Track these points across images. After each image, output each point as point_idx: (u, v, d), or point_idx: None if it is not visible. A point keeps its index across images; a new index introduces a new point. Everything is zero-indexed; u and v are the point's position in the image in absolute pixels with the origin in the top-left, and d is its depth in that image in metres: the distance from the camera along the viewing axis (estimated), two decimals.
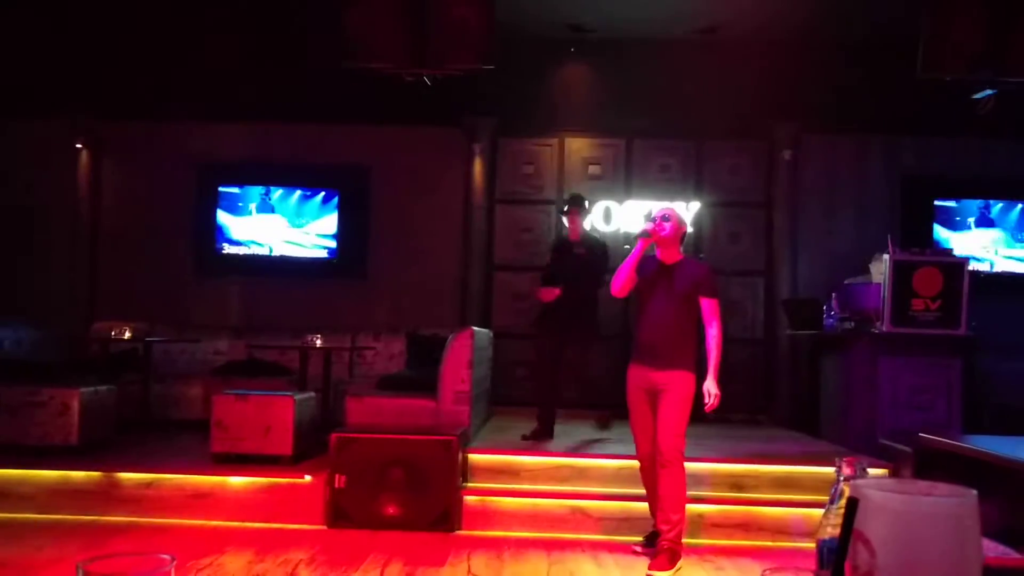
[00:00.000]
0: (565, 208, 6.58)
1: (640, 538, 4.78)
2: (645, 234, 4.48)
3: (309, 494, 5.19)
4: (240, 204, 8.64)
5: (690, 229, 8.51)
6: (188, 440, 6.19)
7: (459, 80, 6.39)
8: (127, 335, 6.97)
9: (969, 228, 8.48)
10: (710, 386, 4.42)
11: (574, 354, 6.36)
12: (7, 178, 8.48)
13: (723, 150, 8.75)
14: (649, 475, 4.57)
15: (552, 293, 6.17)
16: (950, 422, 5.82)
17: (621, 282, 4.55)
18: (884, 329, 5.92)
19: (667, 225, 4.54)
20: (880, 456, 5.56)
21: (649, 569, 4.30)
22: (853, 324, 6.45)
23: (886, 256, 5.99)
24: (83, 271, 8.54)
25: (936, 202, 8.47)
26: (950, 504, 0.72)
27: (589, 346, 6.45)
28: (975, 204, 8.50)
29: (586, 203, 6.64)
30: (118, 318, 7.72)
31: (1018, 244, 8.47)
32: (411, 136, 8.55)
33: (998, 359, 7.28)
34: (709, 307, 4.51)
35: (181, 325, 7.97)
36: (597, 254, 6.47)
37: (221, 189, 8.61)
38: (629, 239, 8.39)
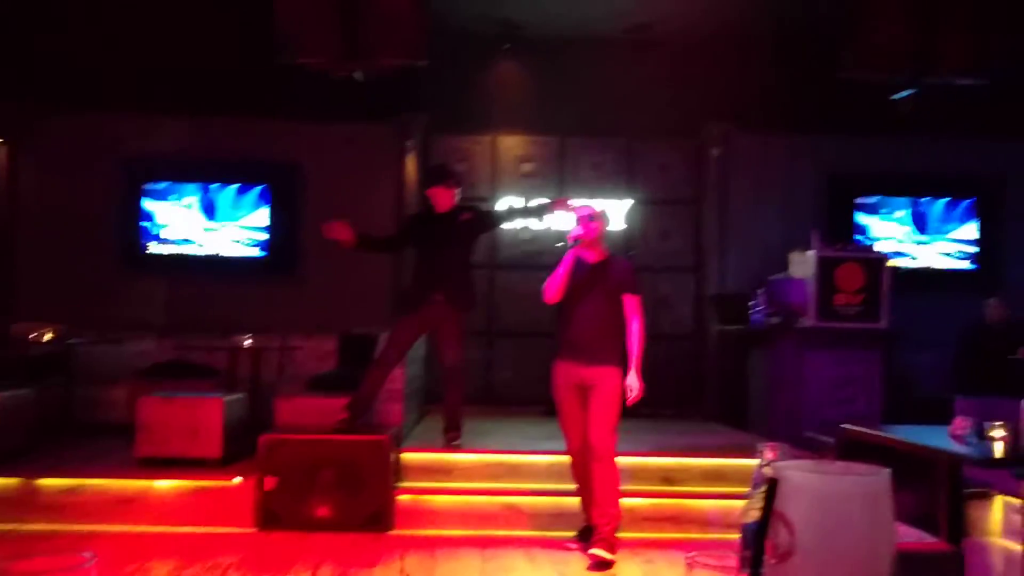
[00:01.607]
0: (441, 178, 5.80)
1: (573, 533, 4.80)
2: (578, 242, 4.52)
3: (238, 497, 5.10)
4: (167, 200, 8.44)
5: (624, 226, 8.64)
6: (112, 444, 6.00)
7: (391, 76, 6.35)
8: (47, 337, 6.74)
9: (895, 223, 8.75)
10: (632, 380, 4.49)
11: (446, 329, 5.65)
12: None
13: (654, 148, 8.87)
14: (580, 470, 4.59)
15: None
16: (871, 414, 6.00)
17: (555, 288, 4.56)
18: (809, 324, 6.08)
19: (594, 225, 4.61)
20: (805, 448, 5.69)
21: (591, 549, 4.36)
22: (779, 319, 6.60)
23: (809, 252, 6.15)
24: (0, 270, 8.23)
25: (857, 200, 8.72)
26: (865, 482, 0.74)
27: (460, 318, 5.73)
28: (896, 201, 8.77)
29: (451, 177, 5.79)
30: (39, 318, 7.45)
31: (936, 239, 8.76)
32: (343, 132, 8.46)
33: (917, 352, 7.52)
34: (632, 303, 4.59)
35: (106, 325, 7.72)
36: (483, 214, 6.01)
37: (147, 185, 8.40)
38: (562, 237, 8.45)
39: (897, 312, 6.37)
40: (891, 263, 6.57)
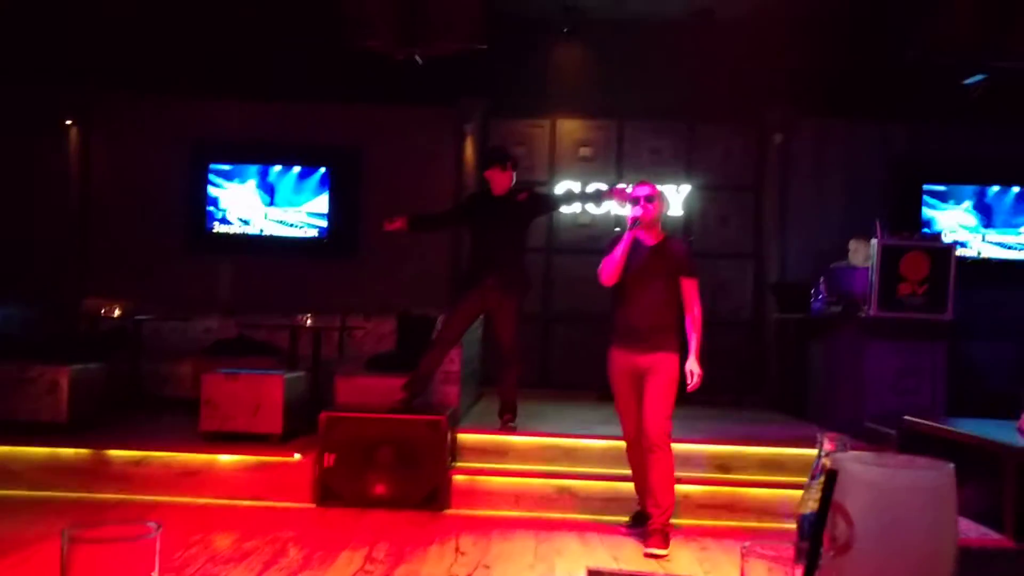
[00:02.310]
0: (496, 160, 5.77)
1: (627, 518, 4.81)
2: (637, 223, 4.45)
3: (298, 473, 5.21)
4: (232, 182, 8.61)
5: (680, 212, 8.56)
6: (177, 418, 6.18)
7: (451, 60, 6.37)
8: (116, 313, 6.95)
9: (959, 213, 8.51)
10: (692, 366, 4.42)
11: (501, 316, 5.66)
12: None
13: (714, 133, 8.76)
14: (635, 455, 4.57)
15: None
16: (934, 406, 5.88)
17: (612, 270, 4.50)
18: (871, 313, 5.96)
19: (652, 207, 4.52)
20: (865, 439, 5.61)
21: (646, 547, 4.33)
22: (840, 308, 6.49)
23: (874, 240, 6.03)
24: (72, 248, 8.51)
25: (925, 186, 8.51)
26: (928, 477, 0.73)
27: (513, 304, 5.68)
28: (965, 189, 8.54)
29: (508, 159, 5.74)
30: (108, 296, 7.68)
31: (1007, 230, 8.51)
32: (403, 116, 8.52)
33: (983, 344, 7.33)
34: (690, 287, 4.50)
35: (171, 303, 7.93)
36: (537, 197, 6.00)
37: (212, 167, 8.58)
38: (620, 222, 8.42)
39: (963, 303, 6.22)
40: (958, 252, 6.41)
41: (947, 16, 5.95)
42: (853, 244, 6.86)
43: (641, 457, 4.48)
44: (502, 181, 5.67)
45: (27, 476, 5.18)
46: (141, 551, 0.79)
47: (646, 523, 4.48)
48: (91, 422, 5.84)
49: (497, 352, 5.85)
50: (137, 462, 5.25)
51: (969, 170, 8.50)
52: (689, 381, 4.42)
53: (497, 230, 5.64)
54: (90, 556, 0.78)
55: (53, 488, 5.13)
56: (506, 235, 5.64)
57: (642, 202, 4.51)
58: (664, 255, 4.52)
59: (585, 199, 7.15)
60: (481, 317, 6.09)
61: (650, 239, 4.56)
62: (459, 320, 5.65)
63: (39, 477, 5.18)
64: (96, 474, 5.22)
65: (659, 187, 4.71)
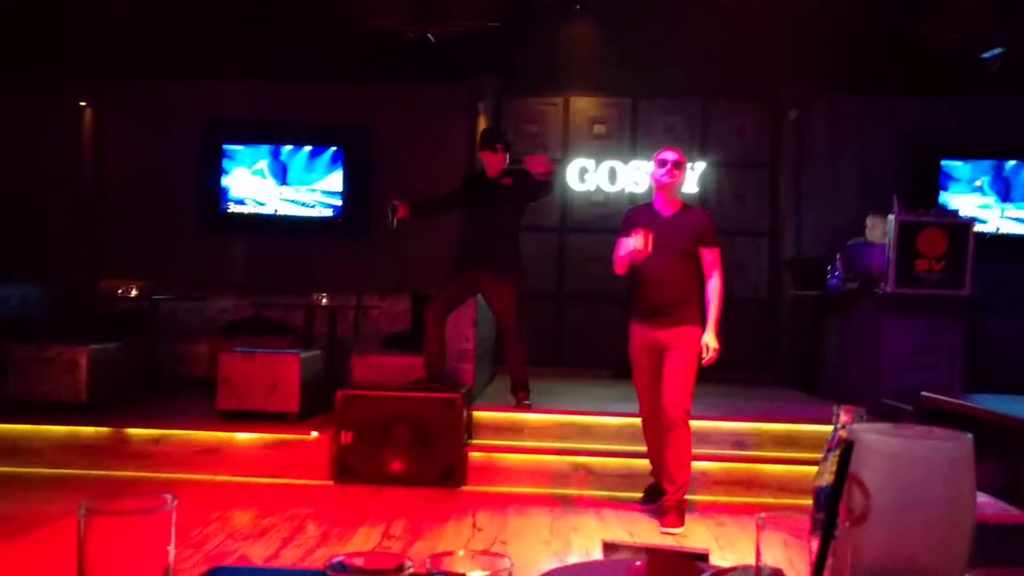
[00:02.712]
0: (488, 142, 5.65)
1: (642, 495, 4.81)
2: (640, 242, 4.21)
3: (315, 450, 5.25)
4: (244, 162, 8.61)
5: (695, 189, 8.51)
6: (195, 397, 6.23)
7: (463, 37, 6.34)
8: (133, 293, 6.99)
9: (976, 189, 8.42)
10: (709, 339, 4.32)
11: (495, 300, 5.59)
12: (12, 137, 8.45)
13: (729, 110, 8.68)
14: (651, 431, 4.53)
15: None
16: (952, 382, 5.84)
17: (618, 267, 4.44)
18: (888, 290, 5.92)
19: (678, 173, 4.41)
20: (882, 415, 5.59)
21: (662, 526, 4.33)
22: (856, 284, 6.45)
23: (890, 216, 5.98)
24: (88, 229, 8.55)
25: (942, 162, 8.41)
26: (946, 447, 0.72)
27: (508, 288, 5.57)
28: (982, 164, 8.43)
29: (499, 140, 5.63)
30: (124, 276, 7.73)
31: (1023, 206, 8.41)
32: (415, 94, 8.49)
33: (1000, 320, 7.28)
34: (711, 257, 4.39)
35: (187, 283, 7.98)
36: (523, 180, 5.50)
37: (225, 147, 8.58)
38: (634, 199, 8.38)
39: (982, 279, 6.17)
40: (976, 228, 6.34)
41: None
42: (870, 220, 6.81)
43: (657, 433, 4.45)
44: (493, 163, 5.59)
45: (47, 454, 5.25)
46: (157, 523, 0.80)
47: (659, 497, 4.48)
48: (110, 401, 5.90)
49: (500, 334, 5.86)
50: (156, 440, 5.30)
51: (985, 145, 8.39)
52: (704, 355, 4.33)
53: (487, 213, 5.58)
54: (107, 528, 0.78)
55: (73, 466, 5.19)
56: (496, 218, 5.55)
57: (670, 167, 4.39)
58: (682, 225, 4.39)
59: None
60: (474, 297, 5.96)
61: (668, 209, 4.45)
62: (442, 298, 5.55)
63: (59, 455, 5.25)
64: (115, 452, 5.28)
65: (682, 154, 4.54)
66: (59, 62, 8.21)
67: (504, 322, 5.63)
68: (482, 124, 8.54)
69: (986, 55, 6.23)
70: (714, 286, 4.39)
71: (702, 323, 4.38)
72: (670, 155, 4.43)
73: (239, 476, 5.18)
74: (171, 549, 0.80)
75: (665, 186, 4.42)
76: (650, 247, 4.22)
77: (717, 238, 4.45)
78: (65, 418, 5.42)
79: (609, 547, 1.18)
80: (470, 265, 5.52)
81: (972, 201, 8.36)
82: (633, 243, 4.24)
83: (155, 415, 5.64)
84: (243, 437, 5.31)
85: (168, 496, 0.82)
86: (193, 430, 5.33)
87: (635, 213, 4.59)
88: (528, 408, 5.66)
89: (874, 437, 0.73)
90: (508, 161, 5.65)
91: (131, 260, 8.26)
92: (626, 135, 8.78)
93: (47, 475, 5.11)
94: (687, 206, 4.59)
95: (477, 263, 5.48)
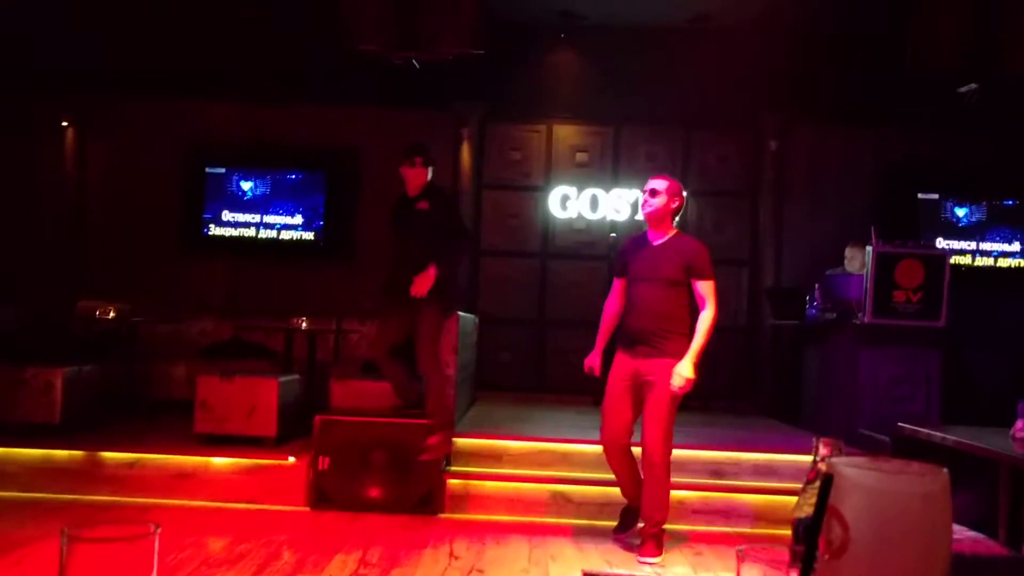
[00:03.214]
0: (406, 155, 5.27)
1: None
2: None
3: (292, 476, 5.20)
4: (227, 184, 8.60)
5: (676, 218, 8.55)
6: (172, 420, 6.17)
7: (448, 64, 6.38)
8: (111, 314, 6.93)
9: (953, 221, 8.53)
10: (683, 368, 4.12)
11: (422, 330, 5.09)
12: None
13: (710, 139, 8.78)
14: (613, 456, 4.39)
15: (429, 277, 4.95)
16: (929, 413, 5.89)
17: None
18: (865, 320, 5.98)
19: (654, 202, 4.30)
20: (859, 446, 5.62)
21: (639, 556, 4.30)
22: (835, 315, 6.51)
23: (868, 247, 6.05)
24: (67, 249, 8.49)
25: (919, 195, 8.52)
26: (922, 481, 0.74)
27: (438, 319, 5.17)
28: (960, 197, 8.55)
29: (423, 154, 5.24)
30: (103, 297, 7.66)
31: (1001, 240, 8.53)
32: (400, 119, 8.52)
33: (977, 351, 7.36)
34: (702, 290, 4.24)
35: (167, 305, 7.93)
36: (442, 207, 5.22)
37: (208, 169, 8.57)
38: (616, 227, 8.43)
39: (958, 311, 6.24)
40: (952, 261, 6.43)
41: (942, 24, 5.98)
42: (849, 251, 6.89)
43: (619, 456, 4.37)
44: (411, 179, 5.18)
45: (20, 477, 5.17)
46: (140, 551, 0.80)
47: (634, 522, 4.46)
48: (85, 424, 5.83)
49: (417, 362, 5.19)
50: (131, 464, 5.24)
51: (964, 179, 8.52)
52: (673, 382, 4.14)
53: (405, 239, 5.16)
54: (89, 556, 0.78)
55: (46, 490, 5.12)
56: (412, 246, 5.09)
57: (646, 195, 4.33)
58: (670, 254, 4.29)
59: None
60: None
61: (656, 237, 4.37)
62: (381, 346, 5.21)
63: (32, 479, 5.17)
64: (90, 476, 5.20)
65: (668, 178, 4.45)
66: (42, 81, 8.19)
67: (421, 348, 5.09)
68: (466, 150, 8.59)
69: (962, 89, 6.35)
70: (703, 317, 4.20)
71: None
72: (650, 183, 4.38)
73: (215, 501, 5.13)
74: None
75: (647, 216, 4.40)
76: (646, 211, 4.35)
77: (709, 269, 4.29)
78: (39, 441, 5.35)
79: None
80: (397, 293, 5.05)
81: (949, 233, 8.47)
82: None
83: (131, 438, 5.58)
84: (219, 462, 5.26)
85: (151, 524, 0.82)
86: (169, 454, 5.27)
87: (627, 242, 4.61)
88: (432, 455, 5.10)
89: (853, 471, 0.74)
90: (431, 177, 5.23)
91: (111, 281, 8.19)
92: (608, 163, 8.85)
93: (20, 499, 5.03)
94: (680, 234, 4.44)
95: (402, 290, 4.98)
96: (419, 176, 5.19)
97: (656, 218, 4.36)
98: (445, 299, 5.15)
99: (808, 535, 0.74)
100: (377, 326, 5.37)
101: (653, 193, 4.34)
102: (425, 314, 5.05)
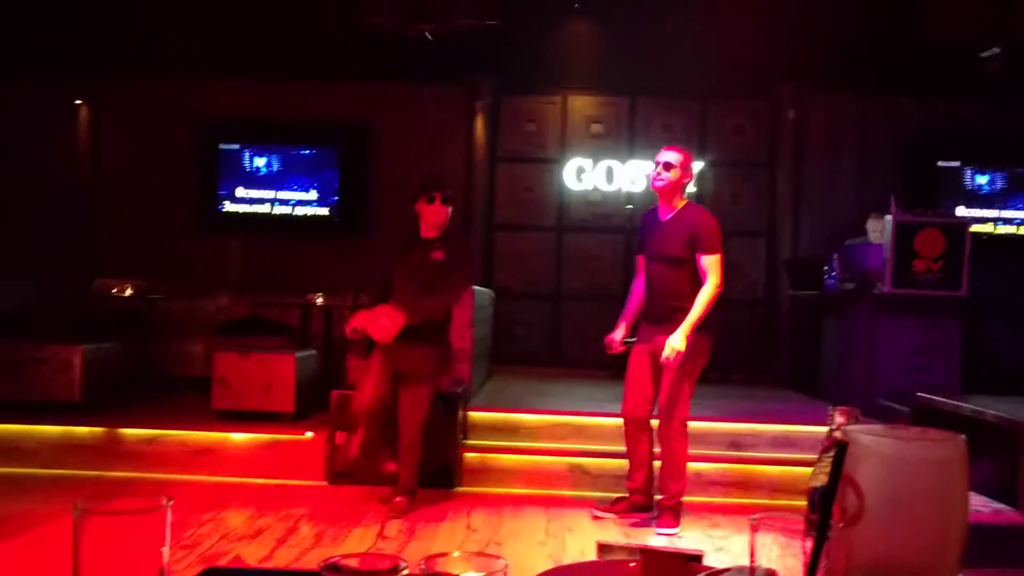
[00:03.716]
0: (424, 190, 4.53)
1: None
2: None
3: (310, 451, 5.24)
4: (240, 161, 8.60)
5: (693, 189, 8.50)
6: (190, 397, 6.22)
7: (461, 36, 6.33)
8: (128, 292, 6.99)
9: (974, 189, 8.42)
10: (674, 339, 4.07)
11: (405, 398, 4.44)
12: (6, 136, 8.42)
13: (727, 109, 8.70)
14: (632, 430, 4.39)
15: (394, 322, 4.28)
16: (949, 383, 5.85)
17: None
18: (885, 290, 5.93)
19: (668, 175, 4.25)
20: (878, 416, 5.59)
21: (657, 527, 4.31)
22: (854, 285, 6.45)
23: (888, 217, 5.98)
24: (83, 228, 8.53)
25: (940, 163, 8.41)
26: (939, 448, 0.72)
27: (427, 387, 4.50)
28: (979, 166, 8.44)
29: (443, 190, 4.53)
30: (119, 275, 7.73)
31: (1020, 207, 8.42)
32: (413, 93, 8.49)
33: (998, 321, 7.29)
34: (705, 264, 4.17)
35: (182, 282, 7.97)
36: (459, 261, 4.54)
37: (221, 146, 8.56)
38: (631, 199, 8.38)
39: (978, 279, 6.18)
40: (973, 229, 6.35)
41: None
42: (871, 222, 6.80)
43: (634, 432, 4.38)
44: (429, 216, 4.50)
45: (41, 454, 5.23)
46: (152, 523, 0.80)
47: (626, 505, 4.48)
48: (104, 401, 5.89)
49: (399, 410, 4.48)
50: (150, 440, 5.29)
51: (984, 146, 8.40)
52: (664, 353, 4.09)
53: (413, 286, 4.41)
54: (101, 528, 0.78)
55: (67, 466, 5.18)
56: (420, 292, 4.39)
57: (659, 168, 4.28)
58: (676, 230, 4.25)
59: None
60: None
61: (665, 212, 4.35)
62: (365, 395, 4.49)
63: (53, 455, 5.23)
64: (110, 452, 5.26)
65: (682, 150, 4.37)
66: (55, 60, 8.19)
67: (405, 410, 4.45)
68: (480, 123, 8.54)
69: (984, 54, 6.24)
70: (703, 290, 4.13)
71: (705, 330, 4.19)
72: (661, 155, 4.32)
73: (234, 477, 5.17)
74: (166, 550, 0.80)
75: (657, 189, 4.35)
76: (656, 184, 4.31)
77: (714, 242, 4.20)
78: (59, 418, 5.40)
79: (604, 548, 1.18)
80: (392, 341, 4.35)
81: (970, 201, 8.37)
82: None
83: (150, 415, 5.63)
84: (238, 437, 5.30)
85: (164, 497, 0.81)
86: (188, 430, 5.32)
87: (643, 217, 4.59)
88: (396, 516, 4.43)
89: (868, 438, 0.72)
90: (449, 217, 4.54)
91: (127, 259, 8.24)
92: (624, 134, 8.79)
93: (41, 475, 5.10)
94: (690, 205, 4.38)
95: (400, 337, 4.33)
96: (438, 214, 4.50)
97: (668, 192, 4.32)
98: (446, 360, 4.66)
99: (823, 503, 0.73)
100: (364, 372, 4.58)
101: (667, 167, 4.28)
102: (420, 351, 4.40)
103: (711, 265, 4.20)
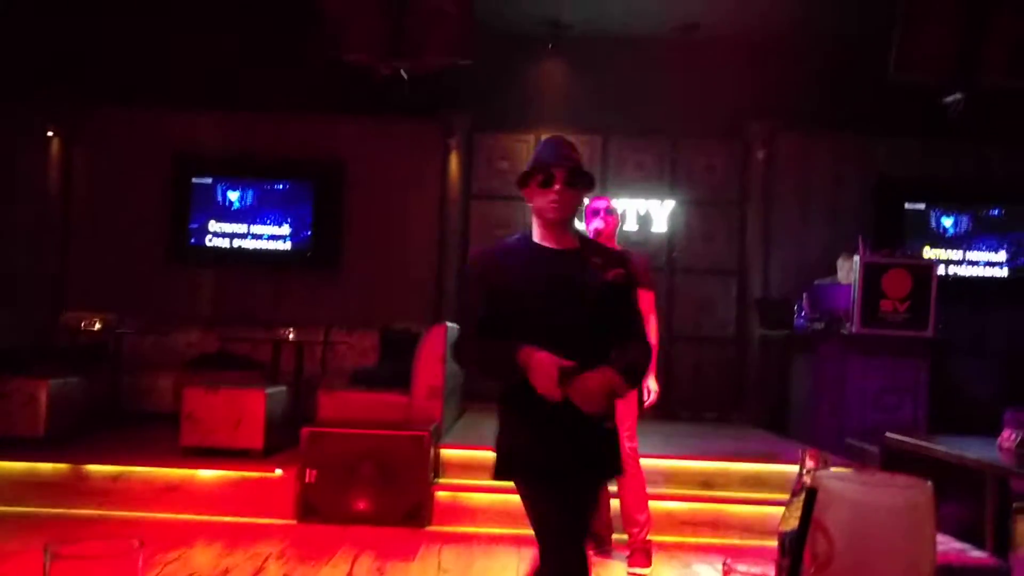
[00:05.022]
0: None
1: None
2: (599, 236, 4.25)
3: (279, 488, 5.17)
4: (214, 194, 8.57)
5: (664, 228, 8.59)
6: (158, 432, 6.13)
7: (436, 74, 6.38)
8: (97, 326, 6.90)
9: (940, 231, 8.58)
10: (650, 383, 4.28)
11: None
12: None
13: (698, 148, 8.80)
14: None
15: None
16: (917, 422, 5.91)
17: None
18: (853, 330, 6.00)
19: (612, 219, 4.39)
20: (847, 455, 5.63)
21: (629, 567, 4.30)
22: (823, 324, 6.53)
23: (856, 257, 6.08)
24: (53, 259, 8.43)
25: (907, 205, 8.55)
26: (906, 495, 0.74)
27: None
28: (945, 207, 8.60)
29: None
30: (88, 307, 7.63)
31: (985, 249, 8.58)
32: (387, 129, 8.53)
33: (964, 360, 7.39)
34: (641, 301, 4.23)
35: (152, 315, 7.88)
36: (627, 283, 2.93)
37: (194, 180, 8.53)
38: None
39: (945, 321, 6.28)
40: (939, 270, 6.47)
41: (924, 34, 6.03)
42: (841, 262, 6.90)
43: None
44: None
45: (3, 491, 5.11)
46: (123, 568, 0.79)
47: (601, 544, 4.45)
48: (69, 436, 5.79)
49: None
50: (116, 477, 5.19)
51: (950, 189, 8.57)
52: (645, 398, 4.29)
53: (567, 317, 2.56)
54: (72, 572, 0.77)
55: (30, 503, 5.07)
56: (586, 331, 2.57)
57: (602, 214, 4.36)
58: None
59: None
60: None
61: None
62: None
63: (16, 492, 5.11)
64: (74, 489, 5.16)
65: (613, 201, 4.57)
66: (27, 90, 8.15)
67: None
68: (454, 160, 8.59)
69: (947, 99, 6.39)
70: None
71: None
72: (601, 203, 4.39)
73: (201, 514, 5.09)
74: None
75: (603, 232, 4.36)
76: (605, 230, 4.32)
77: (647, 282, 4.27)
78: (23, 454, 5.30)
79: None
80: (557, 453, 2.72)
81: (936, 242, 8.51)
82: (592, 226, 4.38)
83: (116, 451, 5.53)
84: (206, 474, 5.23)
85: (135, 540, 0.81)
86: (155, 467, 5.23)
87: None
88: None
89: (837, 484, 0.74)
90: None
91: (96, 292, 8.14)
92: (596, 173, 8.80)
93: (3, 513, 4.98)
94: (622, 252, 4.39)
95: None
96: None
97: (609, 235, 4.37)
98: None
99: (793, 548, 0.74)
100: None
101: (610, 211, 4.39)
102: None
103: (650, 303, 4.29)
